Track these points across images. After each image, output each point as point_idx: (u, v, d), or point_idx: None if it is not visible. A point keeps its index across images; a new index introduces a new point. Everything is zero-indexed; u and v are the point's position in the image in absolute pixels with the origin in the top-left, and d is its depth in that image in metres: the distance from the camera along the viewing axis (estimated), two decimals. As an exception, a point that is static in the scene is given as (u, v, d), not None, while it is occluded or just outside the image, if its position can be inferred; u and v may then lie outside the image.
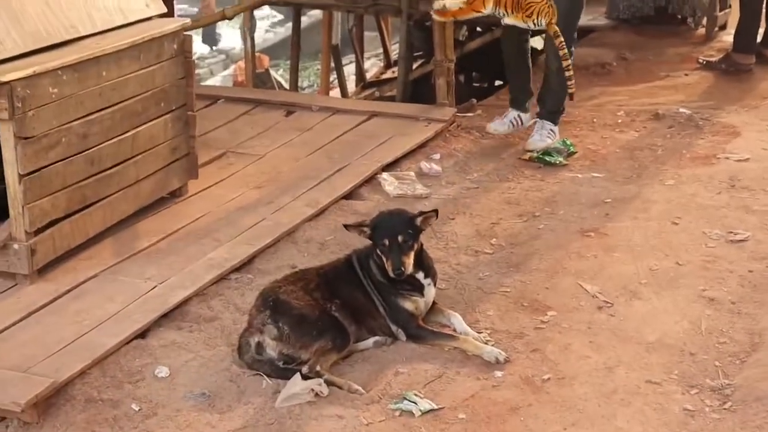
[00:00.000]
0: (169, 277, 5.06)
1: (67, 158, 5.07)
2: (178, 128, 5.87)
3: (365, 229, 4.61)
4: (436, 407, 4.12)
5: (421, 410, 4.10)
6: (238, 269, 5.23)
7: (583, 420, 4.01)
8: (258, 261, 5.34)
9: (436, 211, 4.67)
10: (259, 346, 4.35)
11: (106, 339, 4.50)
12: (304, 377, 4.22)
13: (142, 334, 4.62)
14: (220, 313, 4.84)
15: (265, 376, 4.30)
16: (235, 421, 4.06)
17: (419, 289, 4.62)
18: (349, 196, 6.16)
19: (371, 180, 6.37)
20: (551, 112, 6.94)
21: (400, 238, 4.51)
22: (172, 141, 5.84)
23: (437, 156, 6.86)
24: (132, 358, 4.45)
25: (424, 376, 4.33)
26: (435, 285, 4.71)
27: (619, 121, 7.50)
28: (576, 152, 6.79)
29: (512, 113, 7.09)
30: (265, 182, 6.27)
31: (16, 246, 4.89)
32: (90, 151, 5.21)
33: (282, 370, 4.30)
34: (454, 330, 4.62)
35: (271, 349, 4.34)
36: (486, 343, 4.51)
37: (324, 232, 5.67)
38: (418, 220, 4.59)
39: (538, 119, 6.99)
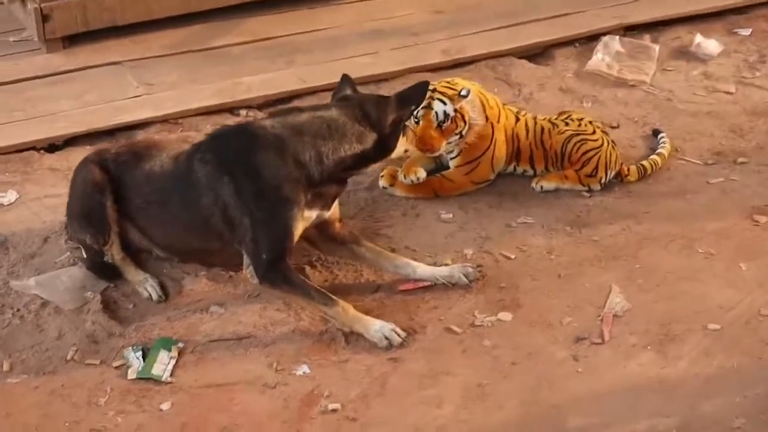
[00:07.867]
0: (174, 89, 4.08)
1: None
2: None
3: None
4: (163, 380, 2.81)
5: (138, 374, 2.83)
6: (261, 106, 4.04)
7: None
8: (299, 101, 4.06)
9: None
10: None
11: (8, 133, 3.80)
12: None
13: (60, 145, 3.80)
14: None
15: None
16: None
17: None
18: (535, 56, 4.42)
19: (591, 40, 4.51)
20: None
21: None
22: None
23: (746, 32, 4.64)
24: (6, 169, 3.68)
25: (227, 329, 2.98)
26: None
27: None
28: None
29: None
30: (454, 8, 4.72)
31: (29, 5, 4.26)
32: None
33: None
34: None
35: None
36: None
37: (425, 90, 4.13)
38: None
39: None
